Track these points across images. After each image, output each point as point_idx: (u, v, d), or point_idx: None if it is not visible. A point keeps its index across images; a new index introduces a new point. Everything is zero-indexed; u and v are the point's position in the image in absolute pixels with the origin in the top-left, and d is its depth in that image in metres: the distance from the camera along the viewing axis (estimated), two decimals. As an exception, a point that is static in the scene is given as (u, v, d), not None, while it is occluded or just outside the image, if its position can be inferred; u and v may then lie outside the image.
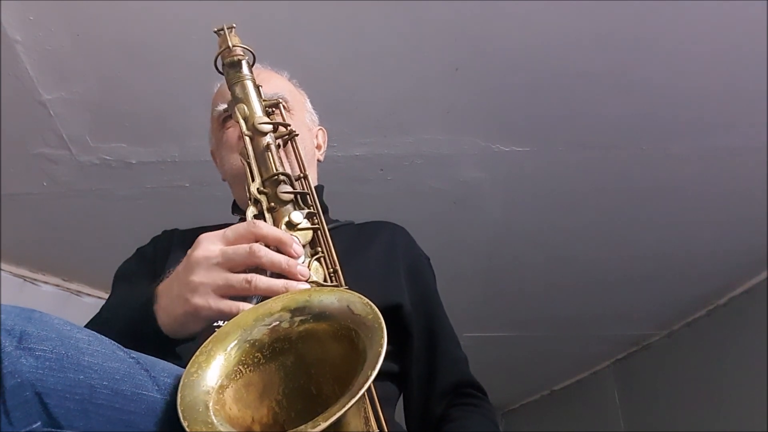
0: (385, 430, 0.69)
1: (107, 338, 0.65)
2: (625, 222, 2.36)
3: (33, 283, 2.55)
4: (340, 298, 0.66)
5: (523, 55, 1.74)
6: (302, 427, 0.52)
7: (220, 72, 0.95)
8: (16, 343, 0.55)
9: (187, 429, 0.56)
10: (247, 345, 0.65)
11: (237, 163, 0.95)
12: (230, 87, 0.93)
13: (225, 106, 1.02)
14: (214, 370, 0.63)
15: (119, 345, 0.65)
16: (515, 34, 1.68)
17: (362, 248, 1.05)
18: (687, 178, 2.14)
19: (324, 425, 0.52)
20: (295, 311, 0.66)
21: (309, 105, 1.20)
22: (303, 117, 1.13)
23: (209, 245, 0.75)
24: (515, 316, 2.99)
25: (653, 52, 1.73)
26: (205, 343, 0.65)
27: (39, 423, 0.54)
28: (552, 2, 1.60)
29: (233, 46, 0.93)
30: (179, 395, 0.59)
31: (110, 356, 0.61)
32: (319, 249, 0.84)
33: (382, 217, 1.16)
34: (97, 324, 0.86)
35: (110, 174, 2.06)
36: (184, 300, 0.73)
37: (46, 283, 2.58)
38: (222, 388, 0.62)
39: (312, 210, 0.86)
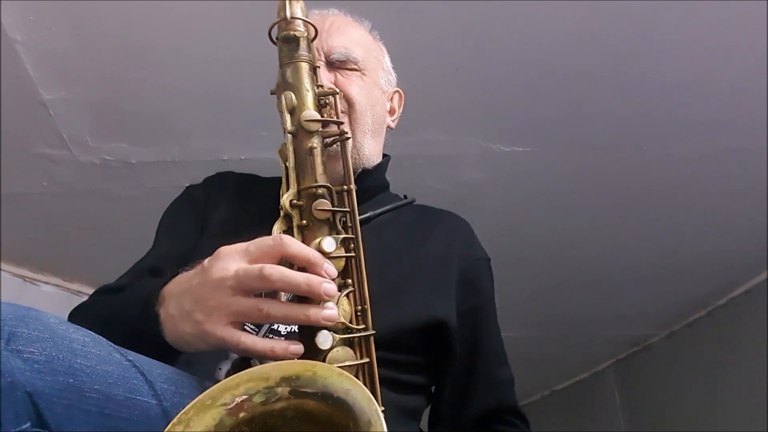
0: None
1: (105, 340, 0.63)
2: (625, 222, 2.36)
3: (33, 283, 2.55)
4: (350, 389, 0.57)
5: (524, 55, 1.74)
6: None
7: (273, 42, 0.81)
8: (4, 344, 0.54)
9: None
10: (232, 420, 0.58)
11: None
12: (281, 66, 0.80)
13: None
14: None
15: (117, 347, 0.63)
16: (516, 34, 1.68)
17: (415, 245, 0.97)
18: (687, 179, 2.14)
19: None
20: (293, 384, 0.58)
21: (387, 62, 1.10)
22: (377, 78, 1.05)
23: (227, 263, 0.67)
24: (515, 317, 2.99)
25: (653, 52, 1.73)
26: (185, 410, 0.58)
27: (29, 424, 0.53)
28: (552, 2, 1.60)
29: (291, 17, 0.78)
30: None
31: (105, 359, 0.60)
32: (350, 281, 0.73)
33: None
34: (99, 318, 0.83)
35: (111, 174, 2.06)
36: (194, 321, 0.67)
37: (46, 283, 2.58)
38: None
39: (350, 235, 0.74)
